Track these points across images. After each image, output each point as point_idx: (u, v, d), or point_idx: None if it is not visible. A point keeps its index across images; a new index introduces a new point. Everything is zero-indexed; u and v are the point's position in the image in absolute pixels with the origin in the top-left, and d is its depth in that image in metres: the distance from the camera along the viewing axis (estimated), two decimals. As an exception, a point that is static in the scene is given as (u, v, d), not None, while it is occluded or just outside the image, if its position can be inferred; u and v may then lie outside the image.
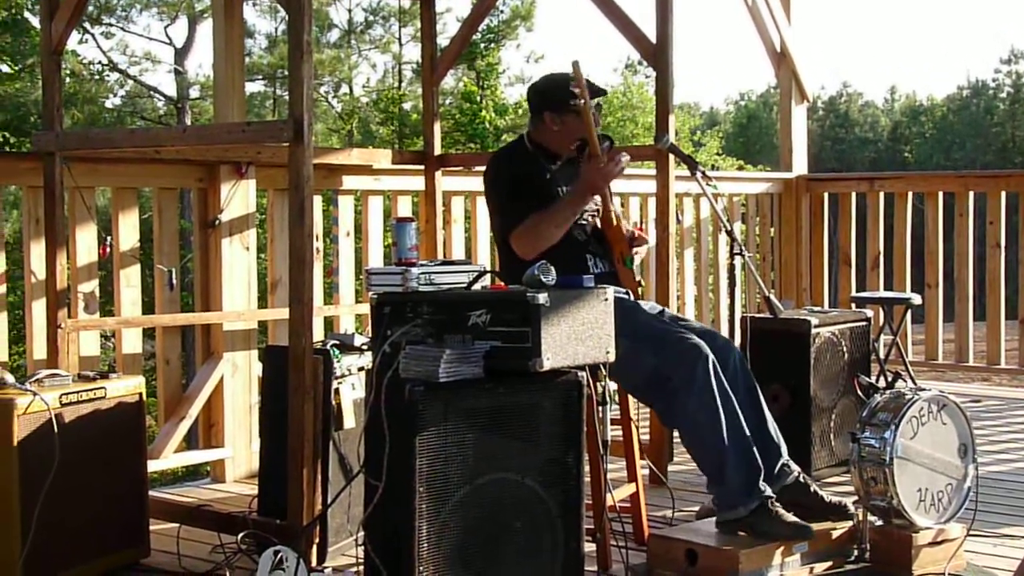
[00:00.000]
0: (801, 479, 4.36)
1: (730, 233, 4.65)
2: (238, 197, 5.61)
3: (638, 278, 4.72)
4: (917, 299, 7.10)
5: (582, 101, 4.37)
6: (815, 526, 4.19)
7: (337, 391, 4.33)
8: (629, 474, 4.60)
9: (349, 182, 6.19)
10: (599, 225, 4.72)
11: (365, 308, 5.14)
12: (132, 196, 5.45)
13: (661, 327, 4.46)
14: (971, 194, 7.90)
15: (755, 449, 4.23)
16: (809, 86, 8.44)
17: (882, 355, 6.92)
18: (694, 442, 4.34)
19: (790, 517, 4.15)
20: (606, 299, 3.83)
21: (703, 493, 4.50)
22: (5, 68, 24.23)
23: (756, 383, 4.43)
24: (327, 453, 4.27)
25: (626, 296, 4.56)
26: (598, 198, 4.65)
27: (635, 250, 4.73)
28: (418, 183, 6.47)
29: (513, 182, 4.62)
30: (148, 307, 5.69)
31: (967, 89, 55.43)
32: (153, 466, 5.20)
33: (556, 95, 4.64)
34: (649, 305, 4.67)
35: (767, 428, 4.37)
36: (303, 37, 3.98)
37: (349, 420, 4.36)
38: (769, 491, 4.19)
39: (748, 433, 4.24)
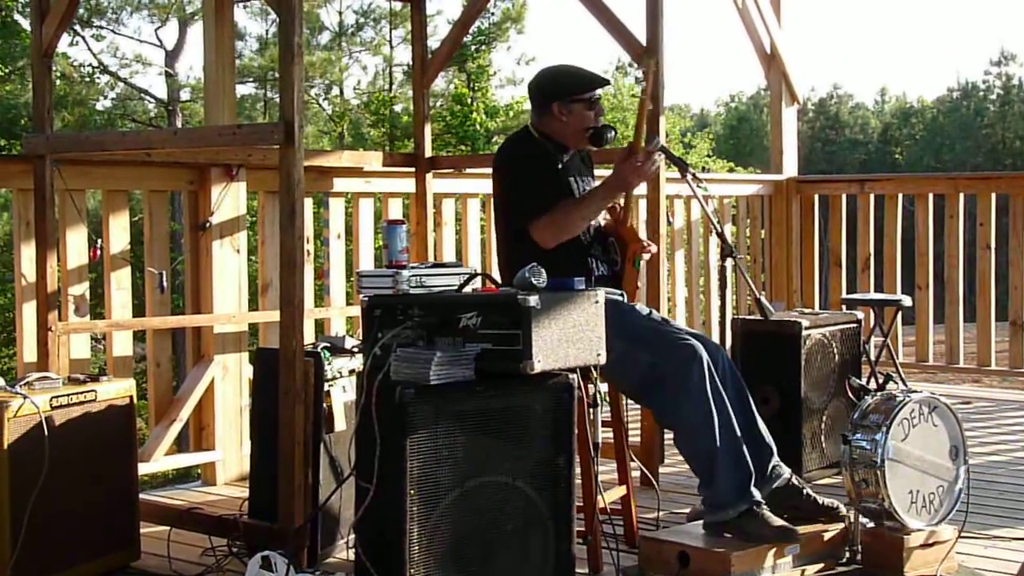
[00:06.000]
0: (794, 481, 4.35)
1: (721, 235, 4.65)
2: (229, 199, 5.59)
3: (639, 283, 4.74)
4: (907, 301, 7.13)
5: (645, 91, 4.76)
6: (807, 528, 4.19)
7: (328, 393, 4.32)
8: (620, 476, 4.60)
9: (340, 184, 6.18)
10: (602, 226, 4.72)
11: (356, 310, 5.12)
12: (123, 198, 5.44)
13: (656, 328, 4.47)
14: (961, 196, 7.90)
15: (747, 452, 4.23)
16: (799, 88, 8.45)
17: (873, 357, 6.94)
18: (687, 443, 4.34)
19: (777, 520, 4.14)
20: (597, 301, 3.83)
21: (694, 495, 4.49)
22: (-5, 70, 24.24)
23: (745, 385, 4.44)
24: (318, 456, 4.26)
25: (621, 298, 4.56)
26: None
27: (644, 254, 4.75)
28: (409, 185, 6.46)
29: (533, 171, 4.58)
30: (139, 310, 5.68)
31: (957, 91, 55.41)
32: (143, 469, 5.19)
33: (564, 86, 4.66)
34: (639, 307, 4.68)
35: (757, 429, 4.36)
36: (293, 39, 3.97)
37: (340, 423, 4.35)
38: (759, 496, 4.19)
39: (740, 436, 4.24)
